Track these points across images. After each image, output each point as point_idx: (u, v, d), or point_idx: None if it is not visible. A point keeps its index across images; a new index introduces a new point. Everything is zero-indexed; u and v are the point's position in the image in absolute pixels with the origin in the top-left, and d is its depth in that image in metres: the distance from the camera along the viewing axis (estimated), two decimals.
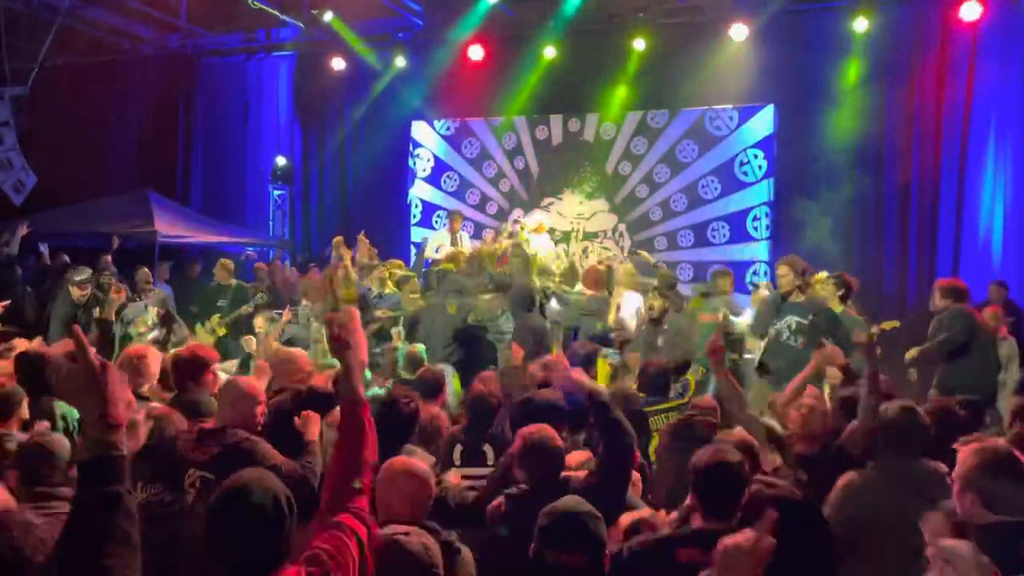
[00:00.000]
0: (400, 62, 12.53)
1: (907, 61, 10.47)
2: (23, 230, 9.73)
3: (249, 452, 3.38)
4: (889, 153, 10.66)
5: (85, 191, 12.58)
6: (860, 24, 10.32)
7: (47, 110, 12.58)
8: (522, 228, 10.54)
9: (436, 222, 12.73)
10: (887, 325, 9.00)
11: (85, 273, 8.26)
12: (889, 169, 10.68)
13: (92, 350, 1.74)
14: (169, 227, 11.63)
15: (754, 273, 11.06)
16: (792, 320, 6.54)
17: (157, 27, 12.89)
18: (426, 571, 2.61)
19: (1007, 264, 9.99)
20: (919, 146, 10.52)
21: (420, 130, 13.06)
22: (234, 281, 10.08)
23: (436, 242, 10.32)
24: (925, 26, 10.32)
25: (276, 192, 14.18)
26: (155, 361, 4.78)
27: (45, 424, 3.90)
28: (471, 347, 7.33)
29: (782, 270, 6.76)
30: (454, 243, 9.76)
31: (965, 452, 2.89)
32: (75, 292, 8.10)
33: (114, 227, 11.23)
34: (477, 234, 12.31)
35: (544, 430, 3.34)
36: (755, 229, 11.21)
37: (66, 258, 10.03)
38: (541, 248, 9.38)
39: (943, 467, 3.44)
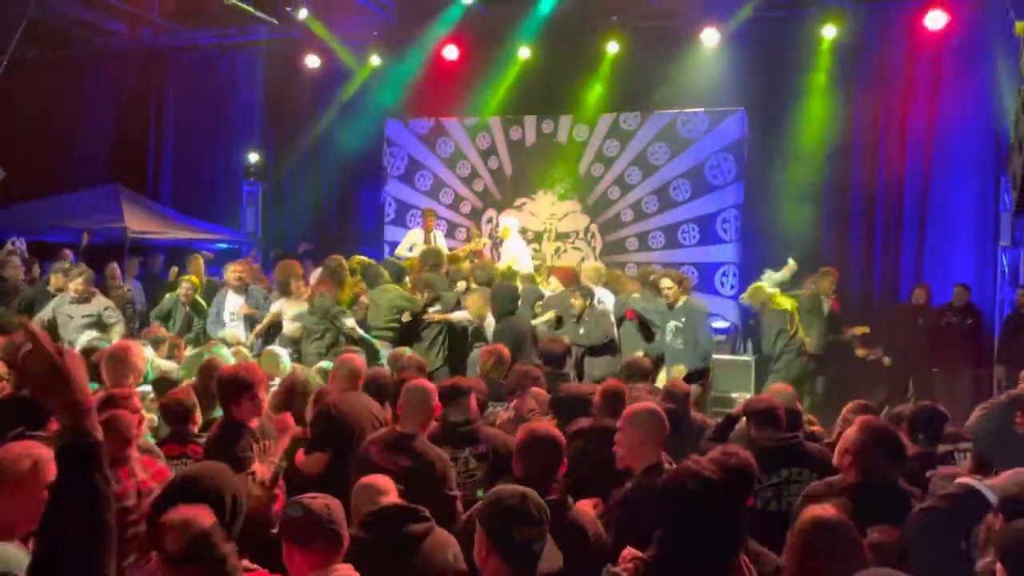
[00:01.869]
0: (375, 61, 12.55)
1: (875, 67, 10.68)
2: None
3: None
4: (856, 157, 10.87)
5: (55, 186, 12.47)
6: (829, 31, 10.50)
7: (17, 104, 12.44)
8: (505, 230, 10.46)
9: (410, 221, 12.75)
10: (858, 330, 9.24)
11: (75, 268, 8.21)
12: (856, 173, 10.89)
13: (46, 336, 1.75)
14: (139, 223, 11.55)
15: (723, 274, 11.20)
16: (673, 324, 7.72)
17: (129, 22, 12.80)
18: None
19: (967, 267, 10.22)
20: (885, 151, 10.74)
21: (394, 129, 13.06)
22: (204, 278, 10.04)
23: (409, 240, 10.33)
24: (892, 33, 10.52)
25: (249, 189, 14.13)
26: (139, 355, 4.82)
27: None
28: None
29: (666, 283, 7.81)
30: (427, 241, 9.76)
31: (859, 423, 3.34)
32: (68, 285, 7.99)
33: (83, 222, 11.15)
34: (451, 233, 12.36)
35: None
36: (724, 231, 11.34)
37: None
38: (518, 252, 9.38)
39: None
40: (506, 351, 6.01)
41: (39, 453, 2.55)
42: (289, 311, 7.95)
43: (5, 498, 2.50)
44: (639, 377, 5.83)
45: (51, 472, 1.99)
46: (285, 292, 8.18)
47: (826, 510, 2.71)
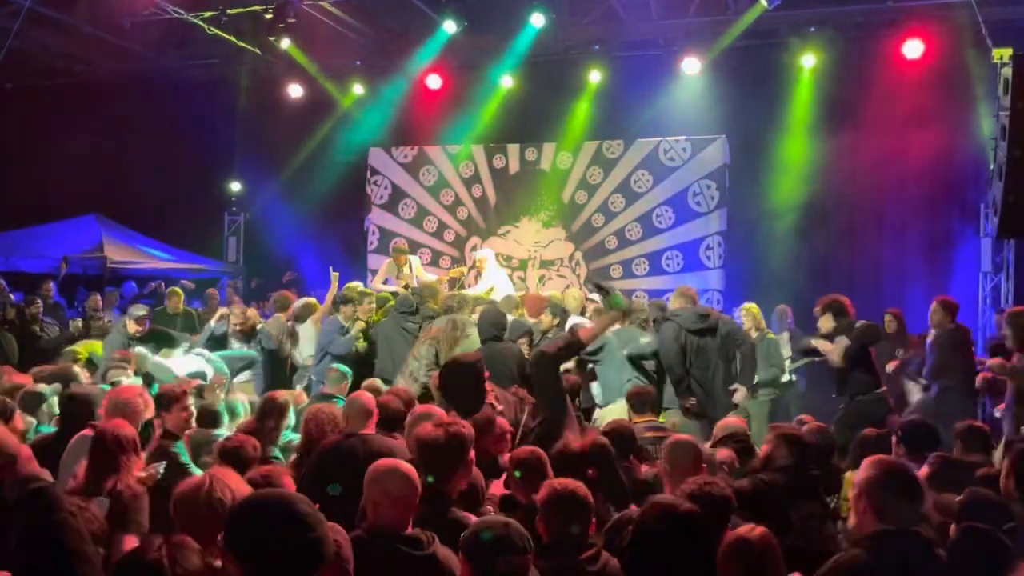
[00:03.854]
0: (358, 90, 12.57)
1: (854, 95, 10.77)
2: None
3: None
4: (837, 184, 10.93)
5: (34, 215, 12.34)
6: (808, 60, 10.62)
7: None
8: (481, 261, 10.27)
9: (393, 250, 12.66)
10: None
11: (143, 309, 7.96)
12: (837, 200, 10.96)
13: None
14: (119, 253, 11.44)
15: (707, 301, 11.16)
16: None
17: (111, 52, 12.74)
18: None
19: (948, 293, 10.25)
20: (865, 177, 10.82)
21: (377, 157, 13.05)
22: (183, 308, 9.93)
23: (384, 273, 10.17)
24: (871, 62, 10.63)
25: (231, 218, 14.06)
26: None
27: None
28: None
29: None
30: (400, 275, 9.63)
31: (867, 462, 3.04)
32: (132, 327, 7.71)
33: (62, 252, 11.03)
34: (435, 261, 12.31)
35: None
36: (708, 258, 11.36)
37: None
38: (494, 282, 9.26)
39: None
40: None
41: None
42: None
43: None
44: (648, 408, 5.68)
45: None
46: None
47: (752, 530, 2.76)
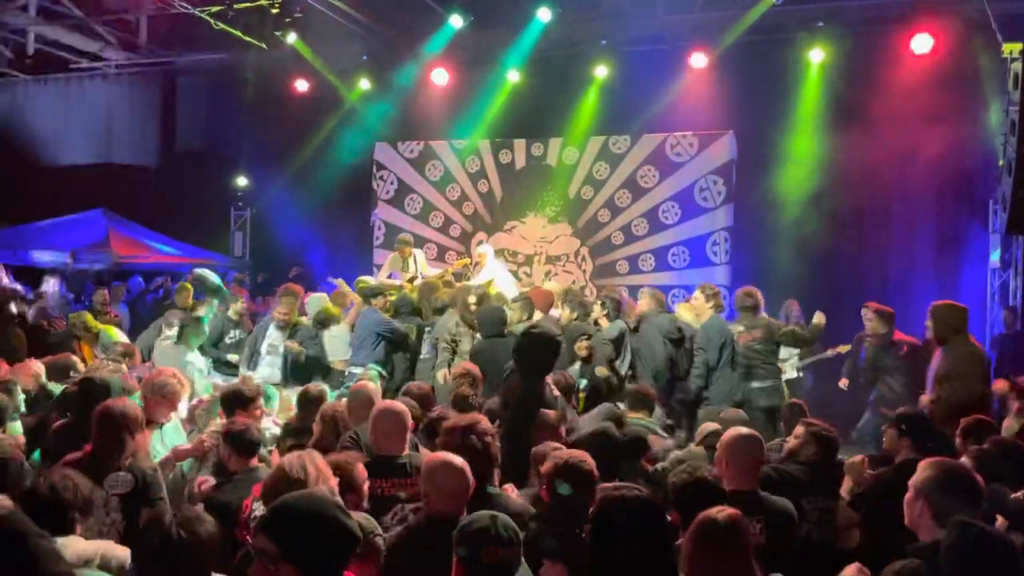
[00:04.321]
0: (364, 84, 12.56)
1: (863, 90, 10.69)
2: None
3: None
4: (846, 179, 10.87)
5: (41, 210, 12.38)
6: (817, 54, 10.57)
7: (3, 127, 12.39)
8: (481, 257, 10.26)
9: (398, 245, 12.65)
10: (842, 349, 9.17)
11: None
12: (846, 195, 10.89)
13: None
14: (126, 247, 11.47)
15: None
16: None
17: (119, 47, 12.77)
18: None
19: (956, 288, 10.20)
20: (873, 173, 10.75)
21: (384, 152, 13.04)
22: (192, 303, 9.92)
23: (388, 268, 10.17)
24: (880, 57, 10.56)
25: (237, 213, 14.07)
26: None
27: None
28: None
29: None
30: (405, 269, 9.63)
31: (924, 463, 2.96)
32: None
33: (70, 247, 11.06)
34: (440, 257, 12.31)
35: None
36: (714, 254, 11.33)
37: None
38: (493, 275, 9.27)
39: None
40: (476, 371, 5.88)
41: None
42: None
43: None
44: (642, 406, 5.68)
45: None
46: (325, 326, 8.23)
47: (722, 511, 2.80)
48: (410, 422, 4.07)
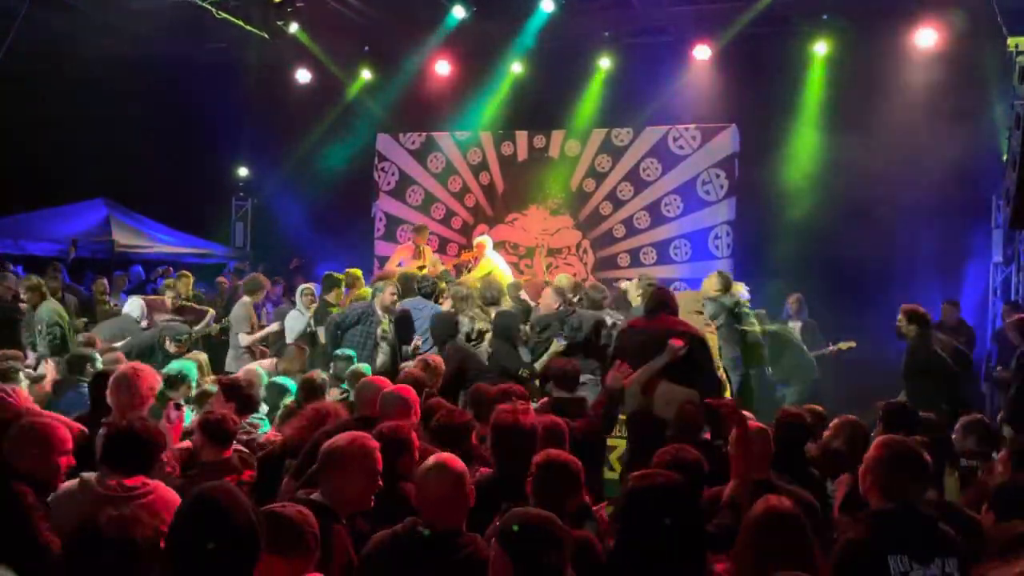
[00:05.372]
0: (366, 75, 12.52)
1: (867, 84, 10.66)
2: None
3: None
4: (849, 173, 10.83)
5: (43, 199, 12.35)
6: (820, 48, 10.54)
7: (5, 117, 12.33)
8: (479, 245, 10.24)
9: (400, 236, 12.66)
10: (844, 345, 9.19)
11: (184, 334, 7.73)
12: (848, 189, 10.85)
13: None
14: (127, 237, 11.46)
15: None
16: None
17: (119, 36, 12.71)
18: None
19: (960, 284, 10.20)
20: (877, 166, 10.69)
21: (385, 143, 13.01)
22: (192, 293, 9.92)
23: (398, 256, 10.18)
24: (884, 50, 10.52)
25: (238, 203, 14.05)
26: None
27: None
28: None
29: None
30: (417, 257, 9.64)
31: (876, 442, 3.19)
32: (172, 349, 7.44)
33: (71, 236, 11.05)
34: (442, 248, 12.29)
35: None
36: (716, 247, 11.31)
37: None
38: (496, 264, 9.32)
39: None
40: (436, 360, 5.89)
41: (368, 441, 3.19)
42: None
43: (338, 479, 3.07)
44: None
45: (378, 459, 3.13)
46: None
47: (782, 501, 2.83)
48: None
